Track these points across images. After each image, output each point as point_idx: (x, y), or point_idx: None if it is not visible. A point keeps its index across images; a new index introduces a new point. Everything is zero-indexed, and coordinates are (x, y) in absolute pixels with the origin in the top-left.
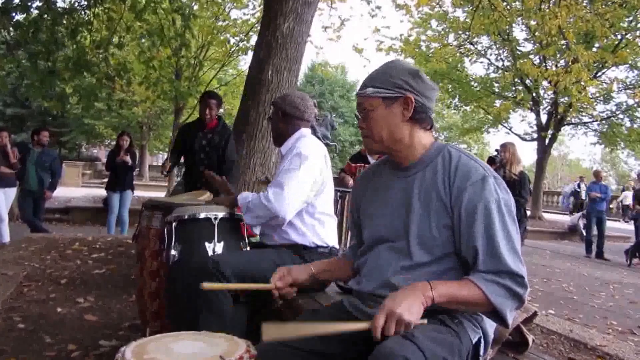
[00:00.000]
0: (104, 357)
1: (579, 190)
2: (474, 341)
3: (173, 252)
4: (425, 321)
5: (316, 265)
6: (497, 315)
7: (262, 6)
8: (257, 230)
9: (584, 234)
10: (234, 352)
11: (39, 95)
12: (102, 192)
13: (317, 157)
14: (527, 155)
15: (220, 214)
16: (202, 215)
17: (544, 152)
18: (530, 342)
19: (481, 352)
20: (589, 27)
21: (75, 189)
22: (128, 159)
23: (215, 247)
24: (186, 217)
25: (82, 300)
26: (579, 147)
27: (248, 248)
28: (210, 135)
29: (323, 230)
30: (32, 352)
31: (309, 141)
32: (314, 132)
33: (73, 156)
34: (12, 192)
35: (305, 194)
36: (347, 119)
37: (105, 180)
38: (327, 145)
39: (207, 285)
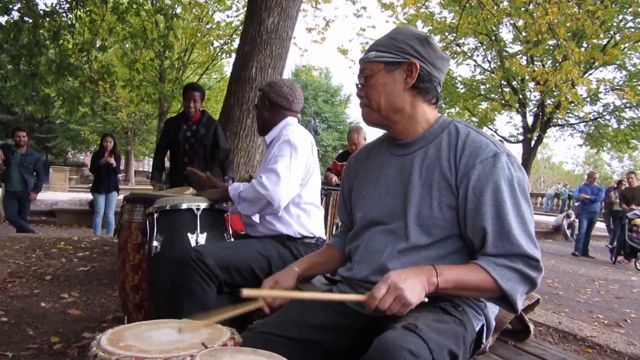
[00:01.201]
0: (87, 349)
1: (559, 192)
2: (477, 329)
3: (155, 243)
4: (426, 299)
5: (300, 265)
6: (507, 301)
7: (245, 8)
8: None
9: (568, 233)
10: (217, 339)
11: (21, 98)
12: (89, 196)
13: (305, 145)
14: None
15: (203, 205)
16: (184, 206)
17: (528, 154)
18: (532, 330)
19: (483, 340)
20: (579, 25)
21: (62, 193)
22: (112, 160)
23: (198, 238)
24: (168, 207)
25: (67, 295)
26: (562, 150)
27: (232, 240)
28: (194, 127)
29: (309, 220)
30: (14, 344)
31: (297, 129)
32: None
33: (60, 162)
34: None
35: (296, 181)
36: (331, 124)
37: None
38: None
39: (246, 292)
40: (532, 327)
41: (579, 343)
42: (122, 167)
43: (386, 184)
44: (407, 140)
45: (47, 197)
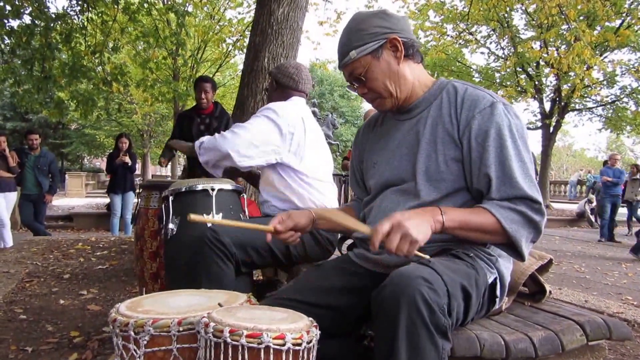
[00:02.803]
0: (107, 342)
1: (582, 179)
2: (489, 281)
3: (171, 225)
4: (428, 257)
5: (317, 211)
6: (512, 247)
7: (256, 3)
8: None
9: (592, 219)
10: (234, 301)
11: (35, 103)
12: (106, 200)
13: (290, 113)
14: (532, 146)
15: (218, 186)
16: (200, 187)
17: (548, 140)
18: (548, 291)
19: (497, 293)
20: (590, 7)
21: (79, 199)
22: (127, 159)
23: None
24: (183, 189)
25: (85, 292)
26: (583, 137)
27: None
28: (208, 120)
29: (320, 195)
30: (33, 339)
31: (288, 103)
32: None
33: (76, 168)
34: (12, 196)
35: (263, 140)
36: (348, 119)
37: None
38: (329, 145)
39: (193, 217)
40: (547, 287)
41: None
42: (137, 170)
43: (394, 149)
44: (410, 105)
45: (63, 203)
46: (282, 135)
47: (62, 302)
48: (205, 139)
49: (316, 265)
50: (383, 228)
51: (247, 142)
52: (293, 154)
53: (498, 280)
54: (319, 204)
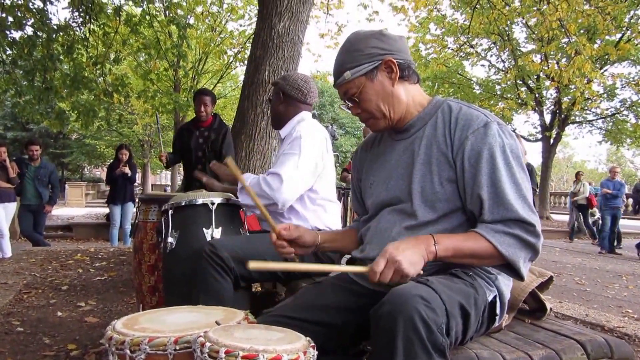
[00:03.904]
0: (104, 355)
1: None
2: (489, 299)
3: (170, 239)
4: (422, 272)
5: (323, 234)
6: (511, 268)
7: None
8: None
9: (594, 230)
10: (231, 319)
11: (36, 113)
12: (106, 210)
13: (318, 140)
14: (532, 157)
15: (218, 200)
16: (199, 201)
17: (548, 152)
18: (548, 309)
19: (497, 311)
20: (590, 21)
21: (78, 209)
22: (127, 170)
23: (213, 233)
24: (183, 203)
25: (83, 304)
26: (583, 149)
27: (248, 234)
28: (206, 133)
29: (325, 214)
30: (30, 353)
31: (310, 124)
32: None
33: (76, 177)
34: (11, 207)
35: (305, 179)
36: (348, 130)
37: None
38: None
39: (252, 265)
40: (548, 305)
41: (607, 334)
42: (138, 180)
43: (390, 169)
44: (406, 125)
45: (63, 212)
46: (316, 166)
47: (59, 314)
48: (250, 179)
49: (315, 282)
50: (379, 267)
51: (290, 192)
52: (317, 176)
53: (498, 298)
54: (323, 224)
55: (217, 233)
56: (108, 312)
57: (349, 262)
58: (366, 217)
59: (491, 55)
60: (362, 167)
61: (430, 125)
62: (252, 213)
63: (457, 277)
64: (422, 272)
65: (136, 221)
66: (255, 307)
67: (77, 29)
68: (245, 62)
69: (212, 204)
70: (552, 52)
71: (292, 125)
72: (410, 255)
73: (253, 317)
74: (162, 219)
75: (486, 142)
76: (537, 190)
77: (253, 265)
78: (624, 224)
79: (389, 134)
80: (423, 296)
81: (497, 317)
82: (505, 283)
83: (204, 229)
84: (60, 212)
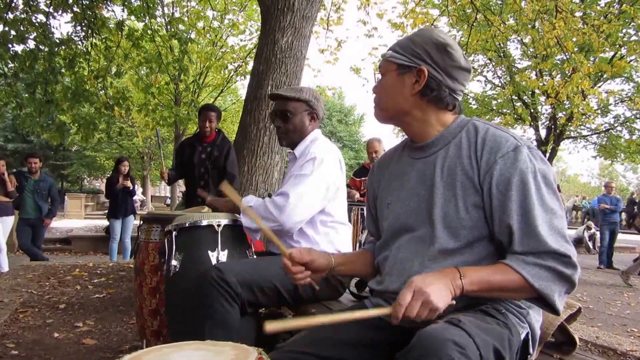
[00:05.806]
0: None
1: (577, 205)
2: (522, 337)
3: (174, 262)
4: (454, 302)
5: (336, 257)
6: (544, 302)
7: (259, 32)
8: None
9: (590, 245)
10: (243, 359)
11: (36, 126)
12: (105, 223)
13: (332, 161)
14: None
15: (224, 221)
16: (205, 223)
17: None
18: (578, 341)
19: (530, 350)
20: (586, 39)
21: (77, 220)
22: (129, 183)
23: (219, 256)
24: (187, 224)
25: (81, 324)
26: (576, 163)
27: (254, 257)
28: (209, 149)
29: (337, 236)
30: None
31: (323, 144)
32: None
33: (75, 189)
34: (9, 220)
35: (316, 202)
36: (346, 143)
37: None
38: None
39: (269, 327)
40: (577, 338)
41: (620, 358)
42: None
43: (410, 189)
44: (426, 142)
45: (62, 224)
46: (328, 189)
47: (56, 335)
48: (253, 201)
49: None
50: (405, 300)
51: (299, 214)
52: (329, 200)
53: (530, 335)
54: (334, 247)
55: (223, 256)
56: (107, 333)
57: (357, 285)
58: (382, 243)
59: (487, 71)
60: (379, 186)
61: (454, 146)
62: (256, 239)
63: (489, 316)
64: (453, 302)
65: (137, 241)
66: (260, 330)
67: (79, 42)
68: (246, 76)
69: (219, 225)
70: (547, 69)
71: (305, 144)
72: (437, 288)
73: (267, 355)
74: (165, 240)
75: (517, 168)
76: None
77: (270, 328)
78: (619, 237)
79: (408, 152)
80: (457, 341)
81: (530, 357)
82: (536, 318)
83: (209, 252)
84: (59, 225)
